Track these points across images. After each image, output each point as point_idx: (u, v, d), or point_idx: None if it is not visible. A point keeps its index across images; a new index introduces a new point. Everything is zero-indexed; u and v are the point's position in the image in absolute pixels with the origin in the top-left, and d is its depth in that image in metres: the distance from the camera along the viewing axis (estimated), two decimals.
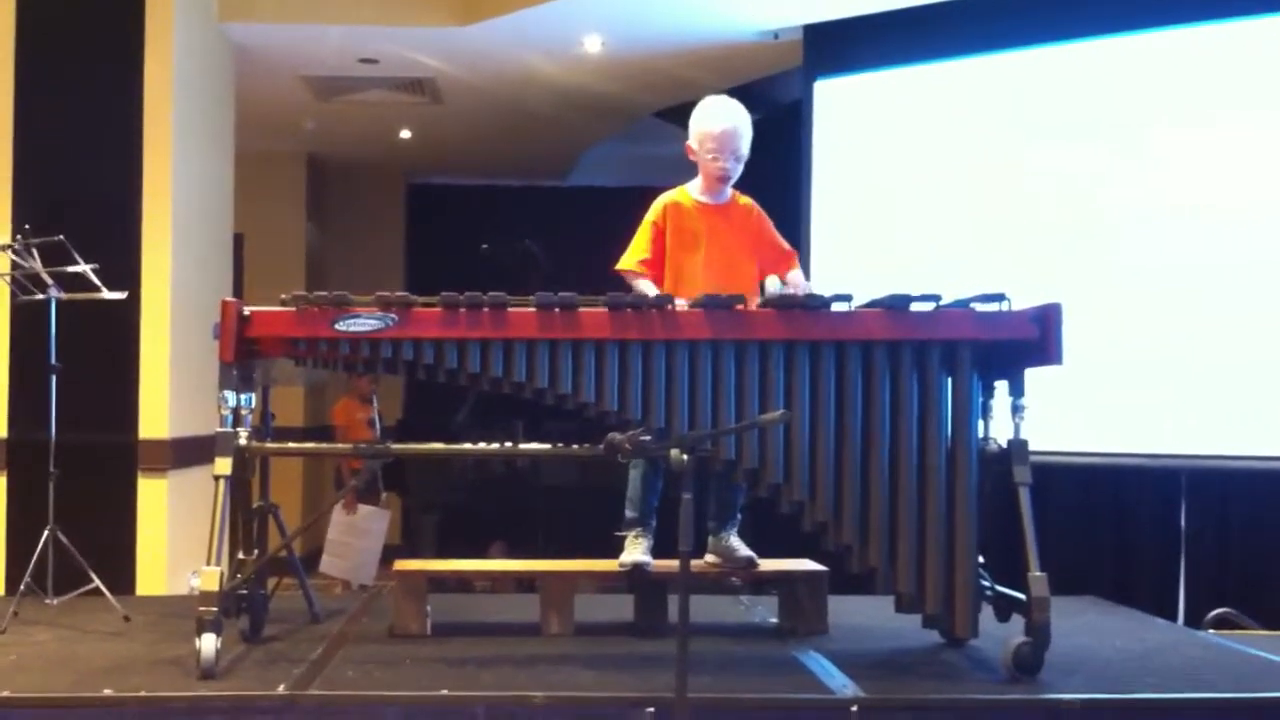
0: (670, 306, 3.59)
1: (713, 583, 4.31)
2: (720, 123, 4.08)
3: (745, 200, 4.19)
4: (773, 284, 3.97)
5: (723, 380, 3.57)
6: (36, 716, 3.16)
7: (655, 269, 4.06)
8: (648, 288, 3.97)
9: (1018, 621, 3.58)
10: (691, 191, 4.16)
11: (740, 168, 4.12)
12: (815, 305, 3.62)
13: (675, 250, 4.07)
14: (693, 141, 4.12)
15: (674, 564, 2.84)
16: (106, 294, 4.41)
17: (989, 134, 6.16)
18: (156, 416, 5.59)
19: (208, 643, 3.36)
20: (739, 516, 4.15)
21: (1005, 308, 3.60)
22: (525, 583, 5.45)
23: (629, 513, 4.13)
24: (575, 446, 3.91)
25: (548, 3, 6.28)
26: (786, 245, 4.21)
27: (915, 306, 3.61)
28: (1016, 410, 3.61)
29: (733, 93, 7.69)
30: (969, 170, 6.19)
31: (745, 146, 4.11)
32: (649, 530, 4.12)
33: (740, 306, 3.60)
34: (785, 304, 3.66)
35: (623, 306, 3.58)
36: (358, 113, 8.53)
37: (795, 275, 4.10)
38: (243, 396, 3.66)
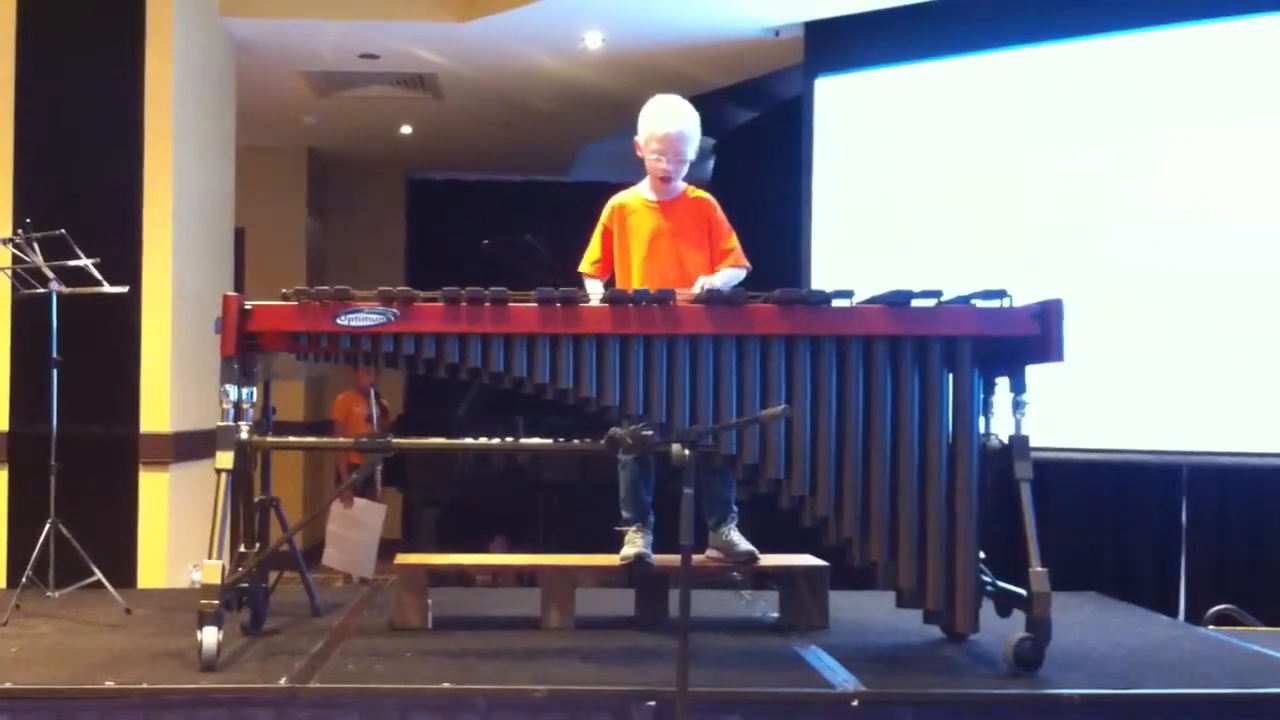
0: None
1: (714, 577, 4.31)
2: (667, 125, 4.11)
3: (697, 194, 4.22)
4: (696, 285, 3.92)
5: (724, 375, 3.57)
6: (38, 709, 3.17)
7: (605, 269, 4.19)
8: (593, 287, 4.08)
9: (1018, 617, 3.58)
10: (641, 190, 4.21)
11: (684, 170, 4.16)
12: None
13: (622, 249, 4.16)
14: (640, 138, 4.16)
15: (674, 559, 2.84)
16: (108, 288, 4.42)
17: (990, 132, 6.15)
18: (158, 410, 5.60)
19: (209, 635, 3.37)
20: (735, 510, 4.16)
21: (1006, 304, 3.60)
22: (526, 577, 5.47)
23: (624, 513, 4.16)
24: (576, 441, 3.92)
25: None
26: (729, 243, 4.15)
27: (916, 302, 3.62)
28: (1017, 406, 3.62)
29: (733, 89, 7.80)
30: (970, 168, 6.18)
31: (691, 150, 4.14)
32: (648, 525, 4.14)
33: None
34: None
35: (623, 302, 3.59)
36: (358, 108, 8.53)
37: (716, 276, 4.03)
38: (244, 390, 3.66)
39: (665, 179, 4.13)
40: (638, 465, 4.13)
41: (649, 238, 4.12)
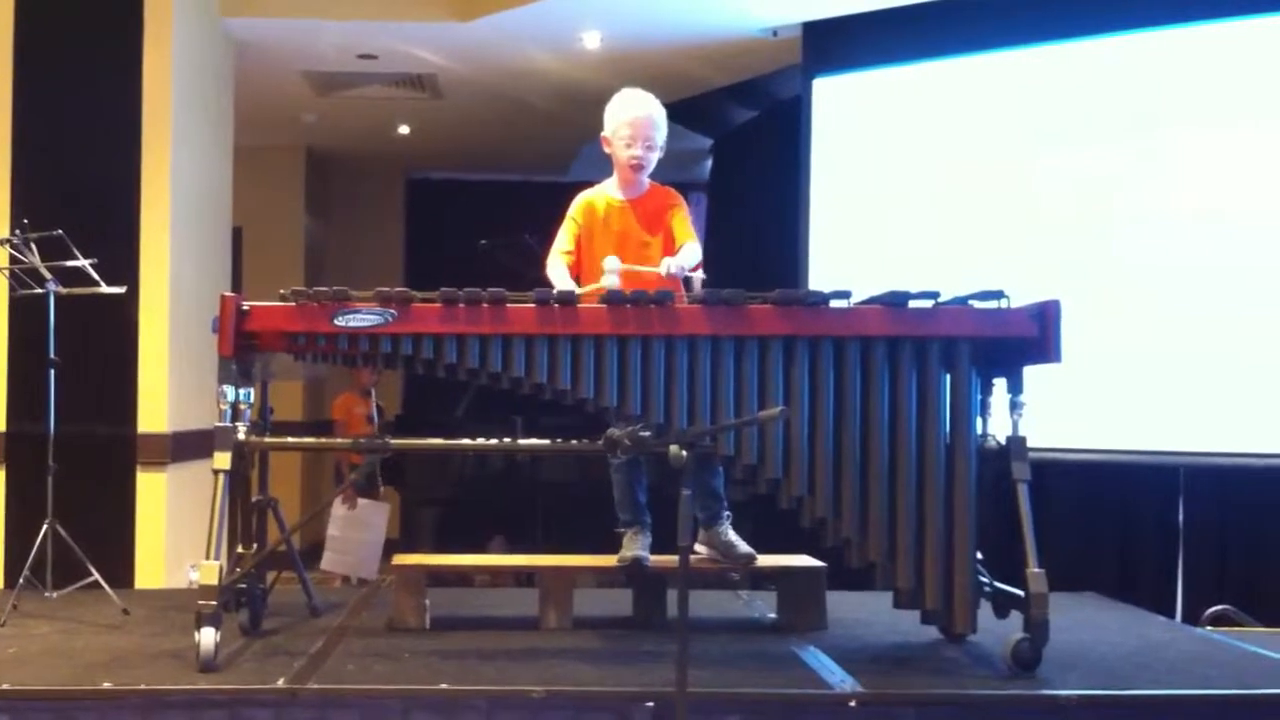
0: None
1: (712, 577, 4.31)
2: (635, 110, 4.11)
3: (663, 190, 4.18)
4: (662, 268, 3.90)
5: (722, 376, 3.57)
6: (36, 709, 3.17)
7: (577, 266, 4.11)
8: (560, 274, 3.99)
9: (1016, 618, 3.58)
10: (607, 190, 4.18)
11: (654, 158, 4.13)
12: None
13: (588, 248, 4.11)
14: (607, 132, 4.15)
15: (673, 559, 2.84)
16: (105, 288, 4.41)
17: (989, 132, 6.15)
18: (155, 410, 5.59)
19: (207, 636, 3.37)
20: (726, 504, 4.14)
21: (1004, 305, 3.60)
22: (524, 577, 5.48)
23: (622, 516, 4.15)
24: (574, 442, 3.91)
25: None
26: (684, 236, 4.07)
27: (914, 303, 3.62)
28: (1015, 407, 3.62)
29: (731, 89, 7.80)
30: (968, 169, 6.19)
31: (660, 137, 4.12)
32: (646, 526, 4.13)
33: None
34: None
35: (621, 302, 3.58)
36: (357, 108, 8.53)
37: (672, 259, 3.94)
38: (241, 391, 3.66)
39: (637, 167, 4.08)
40: (628, 467, 4.11)
41: (619, 237, 4.08)
